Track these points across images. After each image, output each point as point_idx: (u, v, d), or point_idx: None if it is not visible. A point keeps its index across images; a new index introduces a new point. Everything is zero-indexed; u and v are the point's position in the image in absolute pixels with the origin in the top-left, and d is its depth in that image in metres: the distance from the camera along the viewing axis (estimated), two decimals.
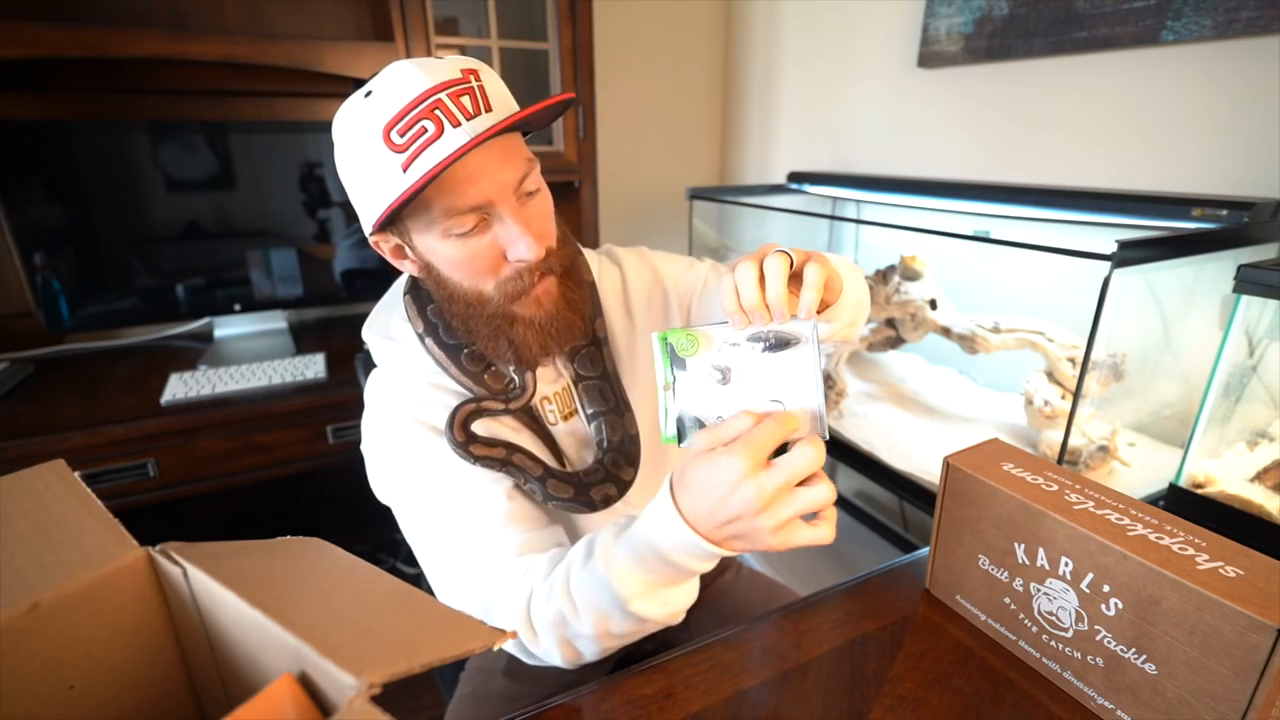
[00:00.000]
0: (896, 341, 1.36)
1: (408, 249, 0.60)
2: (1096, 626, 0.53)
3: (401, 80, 0.52)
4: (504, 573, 0.59)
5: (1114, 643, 0.52)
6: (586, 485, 0.65)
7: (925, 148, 1.51)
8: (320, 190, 1.53)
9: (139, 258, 1.41)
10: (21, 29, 1.14)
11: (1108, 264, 0.81)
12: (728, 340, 0.52)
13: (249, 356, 1.42)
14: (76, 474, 0.34)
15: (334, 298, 1.62)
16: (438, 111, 0.52)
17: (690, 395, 0.52)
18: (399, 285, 0.70)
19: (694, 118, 2.13)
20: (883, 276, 1.34)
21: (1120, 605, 0.51)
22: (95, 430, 1.14)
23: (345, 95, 0.59)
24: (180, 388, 1.25)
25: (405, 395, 0.65)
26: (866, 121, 1.65)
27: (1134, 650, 0.50)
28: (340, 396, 1.32)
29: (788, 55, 1.86)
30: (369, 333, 0.69)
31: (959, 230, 1.23)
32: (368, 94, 0.54)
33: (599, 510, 0.66)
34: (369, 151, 0.53)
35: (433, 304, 0.65)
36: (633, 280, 0.76)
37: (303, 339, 1.57)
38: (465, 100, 0.53)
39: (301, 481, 1.36)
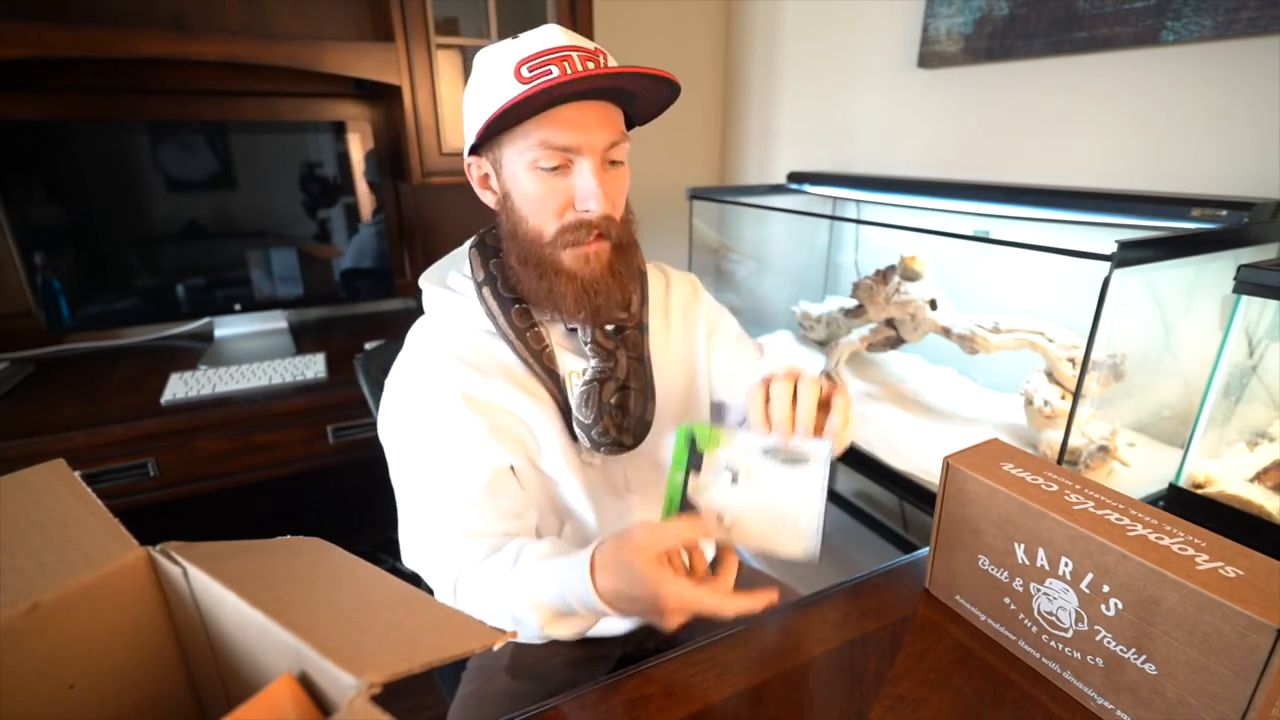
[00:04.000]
0: (896, 341, 1.36)
1: (493, 178, 0.68)
2: (1096, 627, 0.53)
3: (545, 34, 0.62)
4: (450, 547, 0.64)
5: (1114, 643, 0.52)
6: (604, 415, 0.68)
7: (925, 148, 1.51)
8: (320, 190, 1.53)
9: (139, 257, 1.41)
10: (21, 29, 1.14)
11: (1108, 264, 0.81)
12: (745, 444, 0.56)
13: (249, 356, 1.42)
14: (76, 474, 0.34)
15: (334, 298, 1.62)
16: (565, 63, 0.59)
17: (700, 487, 0.56)
18: (465, 244, 0.75)
19: (694, 118, 2.13)
20: (883, 276, 1.34)
21: (1120, 605, 0.51)
22: (95, 430, 1.14)
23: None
24: (180, 387, 1.25)
25: (444, 348, 0.69)
26: (866, 121, 1.65)
27: (1134, 650, 0.50)
28: (340, 396, 1.32)
29: (788, 55, 1.86)
30: (425, 281, 0.74)
31: (959, 230, 1.23)
32: (515, 37, 0.63)
33: (575, 431, 0.70)
34: (498, 78, 0.61)
35: (495, 259, 0.70)
36: (675, 290, 0.82)
37: (303, 339, 1.57)
38: (589, 64, 0.60)
39: (301, 481, 1.36)
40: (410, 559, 0.67)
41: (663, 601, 0.49)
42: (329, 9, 1.53)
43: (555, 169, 0.63)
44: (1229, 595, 0.44)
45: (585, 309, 0.67)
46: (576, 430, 0.69)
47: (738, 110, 2.11)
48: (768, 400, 0.56)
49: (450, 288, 0.72)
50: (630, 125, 0.71)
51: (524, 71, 0.60)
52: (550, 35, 0.62)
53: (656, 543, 0.51)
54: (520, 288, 0.69)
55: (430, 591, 0.65)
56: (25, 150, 1.27)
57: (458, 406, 0.67)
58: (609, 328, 0.72)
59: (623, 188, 0.67)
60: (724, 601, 0.50)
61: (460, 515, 0.64)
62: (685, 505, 0.56)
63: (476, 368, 0.68)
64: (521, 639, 0.61)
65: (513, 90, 0.59)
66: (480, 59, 0.65)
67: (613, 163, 0.65)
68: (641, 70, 0.59)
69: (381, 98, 1.64)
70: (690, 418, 0.80)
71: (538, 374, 0.69)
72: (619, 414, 0.70)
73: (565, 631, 0.59)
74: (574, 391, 0.70)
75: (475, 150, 0.68)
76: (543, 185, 0.63)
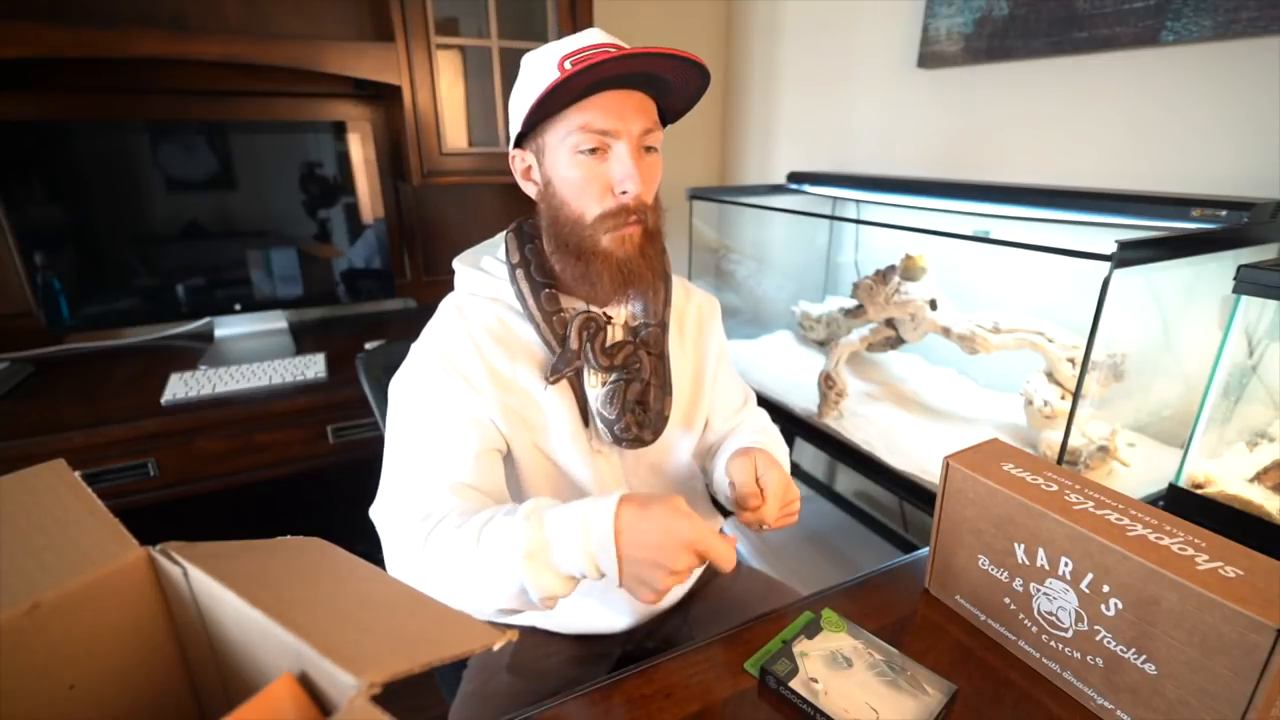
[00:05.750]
0: (896, 341, 1.36)
1: (535, 169, 0.71)
2: (1096, 626, 0.53)
3: (587, 34, 0.67)
4: (428, 493, 0.64)
5: (1114, 643, 0.52)
6: (626, 412, 0.70)
7: (925, 148, 1.51)
8: (320, 190, 1.52)
9: (139, 257, 1.41)
10: (21, 29, 1.14)
11: (1108, 264, 0.81)
12: (866, 645, 0.60)
13: (249, 356, 1.42)
14: (76, 474, 0.34)
15: (334, 298, 1.62)
16: (605, 56, 0.61)
17: (807, 649, 0.60)
18: (500, 233, 0.78)
19: (694, 118, 2.11)
20: (883, 276, 1.34)
21: (1120, 605, 0.51)
22: (95, 430, 1.14)
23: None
24: (180, 387, 1.25)
25: (474, 319, 0.72)
26: (866, 121, 1.65)
27: (1134, 650, 0.50)
28: (340, 396, 1.31)
29: (788, 55, 1.86)
30: (459, 262, 0.77)
31: (959, 230, 1.23)
32: (561, 37, 0.67)
33: (593, 422, 0.72)
34: (543, 71, 0.65)
35: (531, 244, 0.73)
36: (695, 303, 0.86)
37: (303, 339, 1.57)
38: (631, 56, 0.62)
39: (301, 481, 1.36)
40: (378, 507, 0.66)
41: (682, 534, 0.53)
42: (329, 9, 1.53)
43: (594, 152, 0.66)
44: (1229, 595, 0.44)
45: (619, 287, 0.70)
46: (599, 425, 0.71)
47: (738, 110, 2.11)
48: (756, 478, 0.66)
49: (483, 269, 0.75)
50: (664, 123, 0.74)
51: (566, 65, 0.64)
52: (592, 34, 0.67)
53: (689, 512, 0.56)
54: (555, 272, 0.72)
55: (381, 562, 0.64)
56: (25, 150, 1.26)
57: (478, 375, 0.69)
58: (611, 343, 0.73)
59: (656, 176, 0.70)
60: (729, 552, 0.55)
61: (446, 468, 0.65)
62: (780, 658, 0.58)
63: (502, 342, 0.71)
64: (487, 587, 0.57)
65: (556, 78, 0.62)
66: (526, 59, 0.69)
67: (648, 149, 0.68)
68: (679, 53, 0.62)
69: (381, 98, 1.64)
70: (692, 423, 0.82)
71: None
72: (639, 410, 0.72)
73: (539, 579, 0.55)
74: (592, 380, 0.72)
75: (519, 144, 0.72)
76: (582, 170, 0.66)
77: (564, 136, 0.66)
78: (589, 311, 0.70)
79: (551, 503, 0.59)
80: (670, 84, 0.67)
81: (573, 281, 0.71)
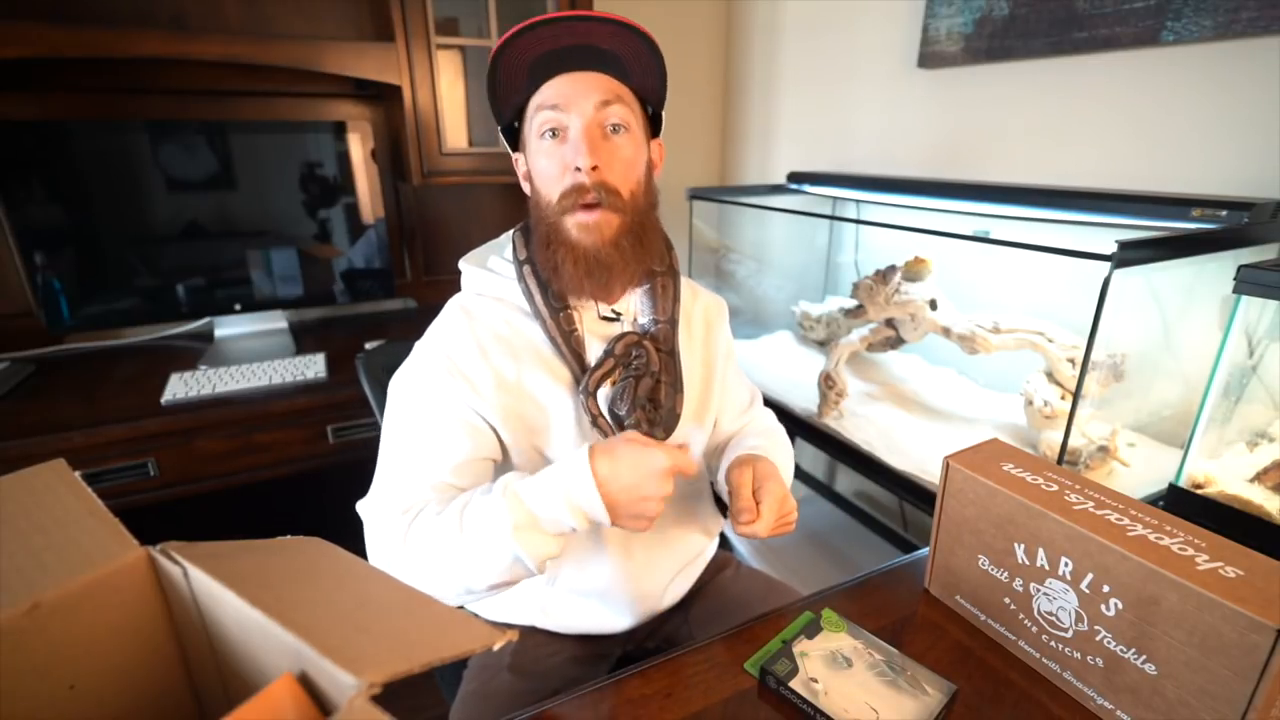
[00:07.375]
0: (896, 341, 1.36)
1: (530, 171, 0.71)
2: (1096, 627, 0.53)
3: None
4: (411, 488, 0.65)
5: (1114, 643, 0.52)
6: (637, 407, 0.71)
7: (925, 148, 1.51)
8: (320, 190, 1.53)
9: (139, 257, 1.41)
10: (21, 29, 1.14)
11: (1108, 264, 0.81)
12: (866, 646, 0.61)
13: (249, 356, 1.42)
14: (76, 474, 0.34)
15: (334, 298, 1.62)
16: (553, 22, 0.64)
17: (807, 649, 0.61)
18: (507, 232, 0.78)
19: (694, 118, 2.13)
20: (883, 276, 1.34)
21: (1120, 605, 0.51)
22: (95, 430, 1.14)
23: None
24: (180, 387, 1.25)
25: (480, 320, 0.72)
26: (866, 121, 1.65)
27: (1134, 650, 0.50)
28: (340, 396, 1.31)
29: (788, 55, 1.86)
30: (466, 262, 0.77)
31: (959, 230, 1.22)
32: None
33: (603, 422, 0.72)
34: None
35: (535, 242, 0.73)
36: (702, 304, 0.86)
37: (303, 339, 1.57)
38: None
39: (301, 481, 1.36)
40: (365, 501, 0.67)
41: (655, 464, 0.56)
42: (329, 9, 1.53)
43: (555, 136, 0.66)
44: (1229, 595, 0.44)
45: (584, 279, 0.68)
46: (610, 422, 0.71)
47: (738, 110, 2.11)
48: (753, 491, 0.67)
49: (490, 269, 0.75)
50: (657, 122, 0.75)
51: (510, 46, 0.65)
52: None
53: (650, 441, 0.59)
54: (542, 266, 0.71)
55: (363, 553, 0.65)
56: (25, 150, 1.26)
57: (482, 379, 0.68)
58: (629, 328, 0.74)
59: (626, 158, 0.68)
60: (690, 461, 0.59)
61: (433, 469, 0.66)
62: (780, 658, 0.58)
63: (508, 344, 0.70)
64: (479, 565, 0.58)
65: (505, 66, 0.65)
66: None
67: (614, 129, 0.67)
68: (599, 15, 0.63)
69: (382, 98, 1.64)
70: (703, 421, 0.82)
71: (564, 356, 0.71)
72: (651, 407, 0.71)
73: (533, 546, 0.57)
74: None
75: (516, 149, 0.74)
76: (546, 154, 0.67)
77: (531, 125, 0.68)
78: (581, 383, 0.70)
79: (518, 475, 0.61)
80: (621, 59, 0.67)
81: (550, 275, 0.70)
